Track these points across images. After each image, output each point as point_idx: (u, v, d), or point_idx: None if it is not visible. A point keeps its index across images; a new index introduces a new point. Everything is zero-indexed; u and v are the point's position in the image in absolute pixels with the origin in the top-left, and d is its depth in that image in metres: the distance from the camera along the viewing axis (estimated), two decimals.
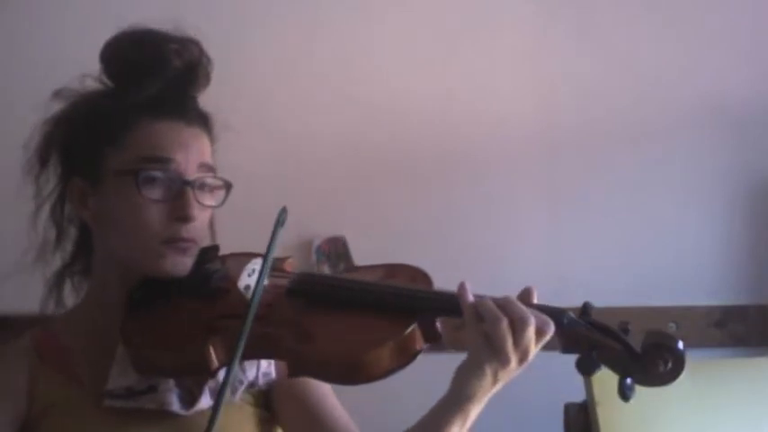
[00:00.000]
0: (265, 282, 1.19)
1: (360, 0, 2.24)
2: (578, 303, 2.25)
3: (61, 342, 1.27)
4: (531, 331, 1.07)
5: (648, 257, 2.25)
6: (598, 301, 2.39)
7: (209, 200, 1.25)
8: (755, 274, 2.27)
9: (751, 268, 2.27)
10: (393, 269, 1.28)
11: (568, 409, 1.90)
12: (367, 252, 2.12)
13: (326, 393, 1.29)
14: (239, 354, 1.06)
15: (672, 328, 2.22)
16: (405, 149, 2.23)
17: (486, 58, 2.25)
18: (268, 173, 2.12)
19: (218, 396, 1.05)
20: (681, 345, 1.08)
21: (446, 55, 2.24)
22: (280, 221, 1.16)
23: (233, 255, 1.32)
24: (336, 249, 2.17)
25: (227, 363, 1.15)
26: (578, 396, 1.87)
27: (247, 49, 2.16)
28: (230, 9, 2.16)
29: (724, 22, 2.27)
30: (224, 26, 2.09)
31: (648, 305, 2.22)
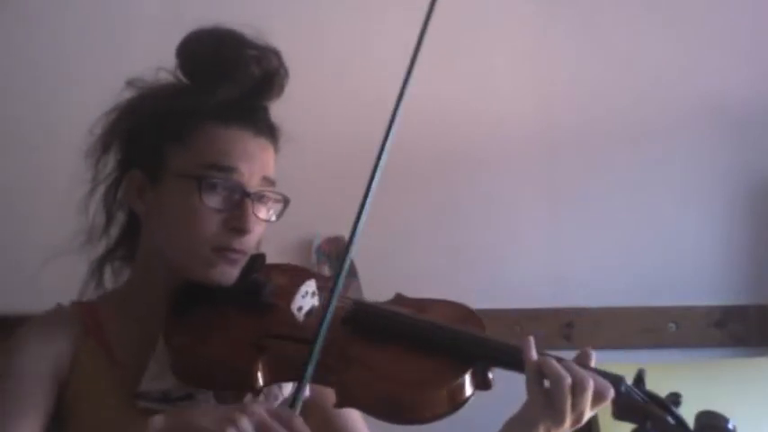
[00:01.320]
0: (316, 303, 1.20)
1: (360, 1, 2.24)
2: (578, 303, 2.25)
3: (102, 322, 1.26)
4: (589, 394, 1.07)
5: (648, 257, 2.25)
6: (598, 302, 2.40)
7: (265, 213, 1.24)
8: (755, 274, 2.27)
9: (751, 268, 2.27)
10: (443, 306, 1.25)
11: None
12: (367, 252, 2.12)
13: (356, 417, 1.28)
14: (307, 379, 1.03)
15: (672, 328, 2.22)
16: (405, 149, 2.22)
17: (486, 58, 2.25)
18: None
19: None
20: (731, 426, 1.08)
21: (446, 55, 2.24)
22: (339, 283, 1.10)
23: (278, 266, 1.30)
24: (336, 249, 2.17)
25: (273, 382, 1.16)
26: None
27: None
28: (230, 9, 2.15)
29: (724, 22, 2.27)
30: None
31: (648, 305, 2.22)
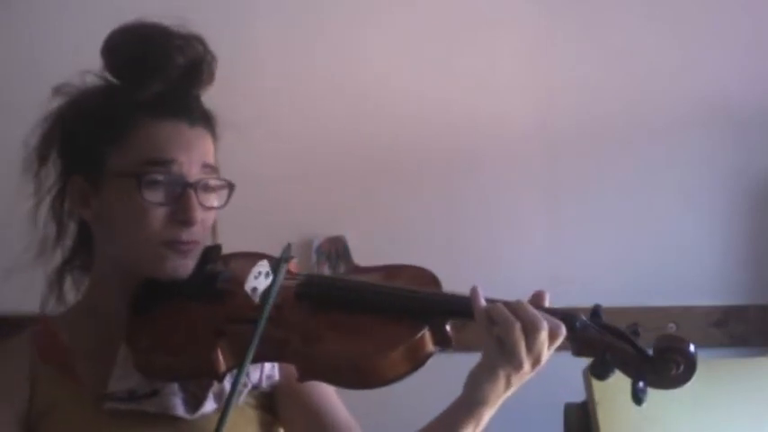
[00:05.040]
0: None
1: (361, 1, 2.24)
2: (578, 303, 2.25)
3: (62, 341, 1.26)
4: (543, 335, 1.06)
5: (648, 257, 2.25)
6: (597, 301, 2.39)
7: (211, 201, 1.24)
8: (755, 274, 2.27)
9: (751, 268, 2.27)
10: (397, 269, 1.26)
11: (568, 409, 1.90)
12: (367, 252, 2.12)
13: (329, 395, 1.28)
14: (249, 358, 1.04)
15: (672, 328, 2.22)
16: (405, 149, 2.24)
17: (486, 58, 2.26)
18: (268, 173, 2.12)
19: (227, 401, 1.03)
20: (692, 348, 1.07)
21: (446, 55, 2.24)
22: (284, 258, 1.14)
23: (235, 255, 1.30)
24: (336, 249, 2.17)
25: (236, 366, 1.15)
26: (578, 396, 1.87)
27: (249, 49, 2.16)
28: (231, 9, 2.16)
29: (724, 22, 2.27)
30: (226, 26, 2.10)
31: (648, 305, 2.22)
